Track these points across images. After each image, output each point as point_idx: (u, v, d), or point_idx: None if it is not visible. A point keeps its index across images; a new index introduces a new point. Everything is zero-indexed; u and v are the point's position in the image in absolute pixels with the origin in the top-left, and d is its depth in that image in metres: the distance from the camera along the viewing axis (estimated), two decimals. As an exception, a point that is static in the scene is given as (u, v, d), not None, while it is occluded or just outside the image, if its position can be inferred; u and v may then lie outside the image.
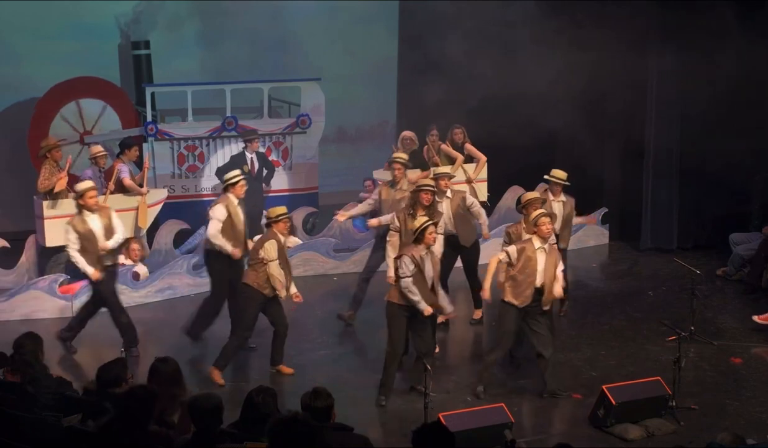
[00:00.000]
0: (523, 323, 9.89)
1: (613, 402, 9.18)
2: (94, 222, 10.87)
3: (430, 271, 9.76)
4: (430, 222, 9.79)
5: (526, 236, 10.25)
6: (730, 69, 13.44)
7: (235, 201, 11.08)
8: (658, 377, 9.64)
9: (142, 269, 13.02)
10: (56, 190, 12.70)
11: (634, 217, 15.11)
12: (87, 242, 10.81)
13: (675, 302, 12.83)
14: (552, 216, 10.30)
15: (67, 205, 12.74)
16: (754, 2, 13.75)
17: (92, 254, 10.84)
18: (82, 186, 11.00)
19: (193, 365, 10.90)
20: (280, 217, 10.31)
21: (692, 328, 11.41)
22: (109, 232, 10.90)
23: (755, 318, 11.87)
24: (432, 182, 11.10)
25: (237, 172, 11.37)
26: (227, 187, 11.12)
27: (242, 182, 11.11)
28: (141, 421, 6.11)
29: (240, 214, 11.11)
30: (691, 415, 9.57)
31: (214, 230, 10.93)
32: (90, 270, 10.83)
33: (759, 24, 13.50)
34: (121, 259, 12.70)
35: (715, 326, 12.02)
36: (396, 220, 10.94)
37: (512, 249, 9.86)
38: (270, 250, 10.22)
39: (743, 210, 14.82)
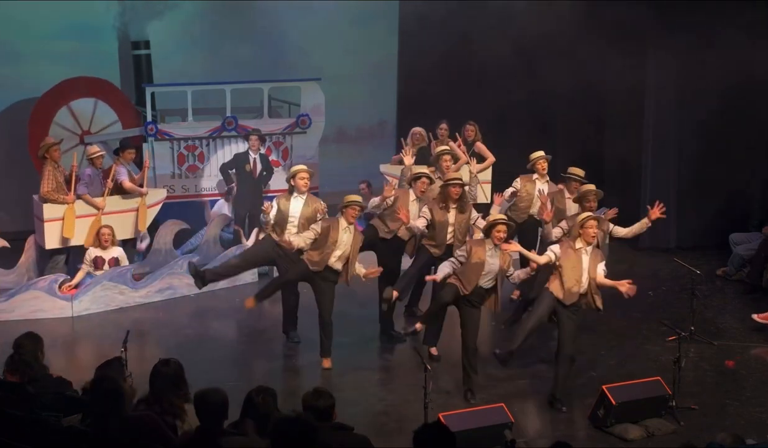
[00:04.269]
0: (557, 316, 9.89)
1: (613, 402, 9.18)
2: (296, 204, 11.05)
3: (495, 264, 9.84)
4: (500, 220, 9.87)
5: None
6: (731, 68, 13.45)
7: (413, 196, 11.30)
8: (658, 377, 9.64)
9: (119, 252, 12.87)
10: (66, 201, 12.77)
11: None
12: (280, 218, 11.03)
13: (675, 302, 12.83)
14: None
15: (70, 210, 12.77)
16: (755, 4, 13.76)
17: (280, 230, 11.04)
18: (294, 168, 11.32)
19: (195, 366, 10.87)
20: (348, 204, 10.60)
21: (692, 328, 11.41)
22: (309, 220, 10.97)
23: (755, 317, 11.86)
24: (460, 176, 11.18)
25: (422, 169, 11.48)
26: (410, 182, 11.36)
27: (425, 179, 11.24)
28: (109, 412, 6.14)
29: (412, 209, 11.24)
30: (691, 415, 9.58)
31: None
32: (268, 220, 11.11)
33: (761, 24, 13.51)
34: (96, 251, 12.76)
35: (715, 326, 12.02)
36: (427, 212, 11.02)
37: (555, 248, 9.91)
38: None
39: (743, 210, 14.82)
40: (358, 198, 10.76)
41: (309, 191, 11.25)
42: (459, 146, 13.44)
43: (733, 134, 14.67)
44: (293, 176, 11.13)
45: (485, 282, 9.91)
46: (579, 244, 9.84)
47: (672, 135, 14.98)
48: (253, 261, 11.61)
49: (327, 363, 10.77)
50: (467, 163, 13.40)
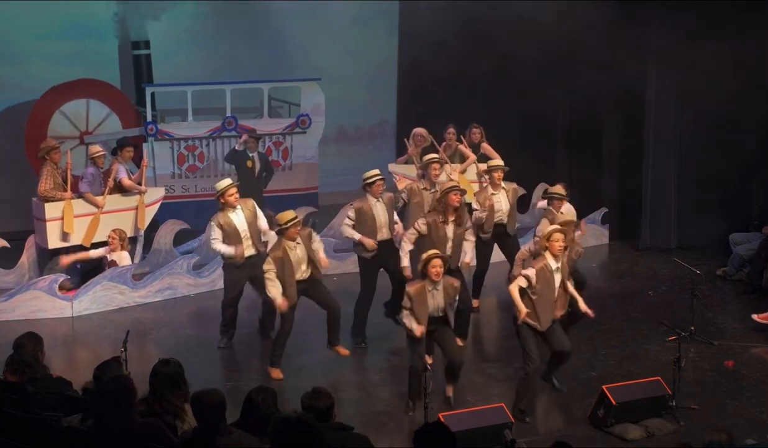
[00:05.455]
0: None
1: (613, 402, 9.18)
2: (238, 218, 11.05)
3: (439, 301, 9.50)
4: (434, 255, 9.50)
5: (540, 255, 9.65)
6: (731, 68, 13.44)
7: (373, 200, 11.20)
8: (658, 377, 9.63)
9: (118, 256, 12.83)
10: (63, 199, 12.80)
11: (634, 217, 15.11)
12: (232, 234, 10.99)
13: (675, 302, 12.82)
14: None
15: (68, 206, 12.79)
16: (756, 4, 13.75)
17: (237, 246, 11.04)
18: (221, 185, 11.10)
19: (194, 366, 10.88)
20: (289, 224, 10.28)
21: (692, 328, 11.40)
22: (254, 227, 11.09)
23: (755, 317, 11.86)
24: (458, 183, 11.23)
25: (376, 171, 11.34)
26: (365, 186, 11.24)
27: (379, 182, 11.20)
28: (117, 413, 6.12)
29: (378, 212, 11.24)
30: (691, 415, 9.57)
31: (344, 226, 11.40)
32: (230, 250, 11.02)
33: (760, 26, 13.51)
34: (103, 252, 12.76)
35: (715, 326, 12.02)
36: (423, 227, 10.71)
37: (531, 272, 9.40)
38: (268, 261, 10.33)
39: (743, 210, 14.82)
40: (292, 214, 10.38)
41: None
42: (465, 148, 13.54)
43: (734, 134, 14.66)
44: (222, 194, 10.97)
45: (436, 314, 9.58)
46: (550, 261, 9.43)
47: (672, 135, 14.97)
48: (237, 291, 11.37)
49: (345, 351, 10.97)
50: (474, 163, 13.45)
